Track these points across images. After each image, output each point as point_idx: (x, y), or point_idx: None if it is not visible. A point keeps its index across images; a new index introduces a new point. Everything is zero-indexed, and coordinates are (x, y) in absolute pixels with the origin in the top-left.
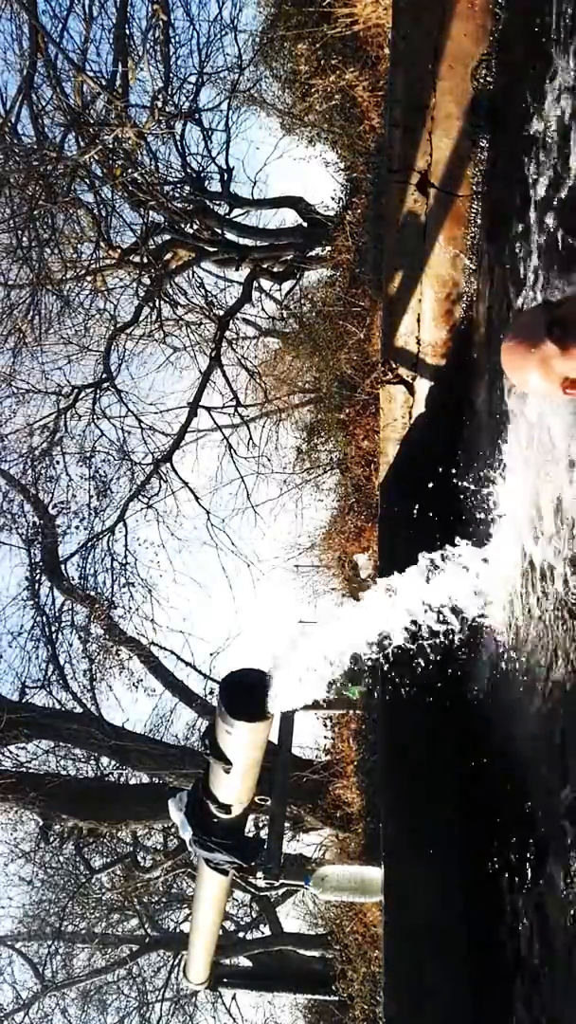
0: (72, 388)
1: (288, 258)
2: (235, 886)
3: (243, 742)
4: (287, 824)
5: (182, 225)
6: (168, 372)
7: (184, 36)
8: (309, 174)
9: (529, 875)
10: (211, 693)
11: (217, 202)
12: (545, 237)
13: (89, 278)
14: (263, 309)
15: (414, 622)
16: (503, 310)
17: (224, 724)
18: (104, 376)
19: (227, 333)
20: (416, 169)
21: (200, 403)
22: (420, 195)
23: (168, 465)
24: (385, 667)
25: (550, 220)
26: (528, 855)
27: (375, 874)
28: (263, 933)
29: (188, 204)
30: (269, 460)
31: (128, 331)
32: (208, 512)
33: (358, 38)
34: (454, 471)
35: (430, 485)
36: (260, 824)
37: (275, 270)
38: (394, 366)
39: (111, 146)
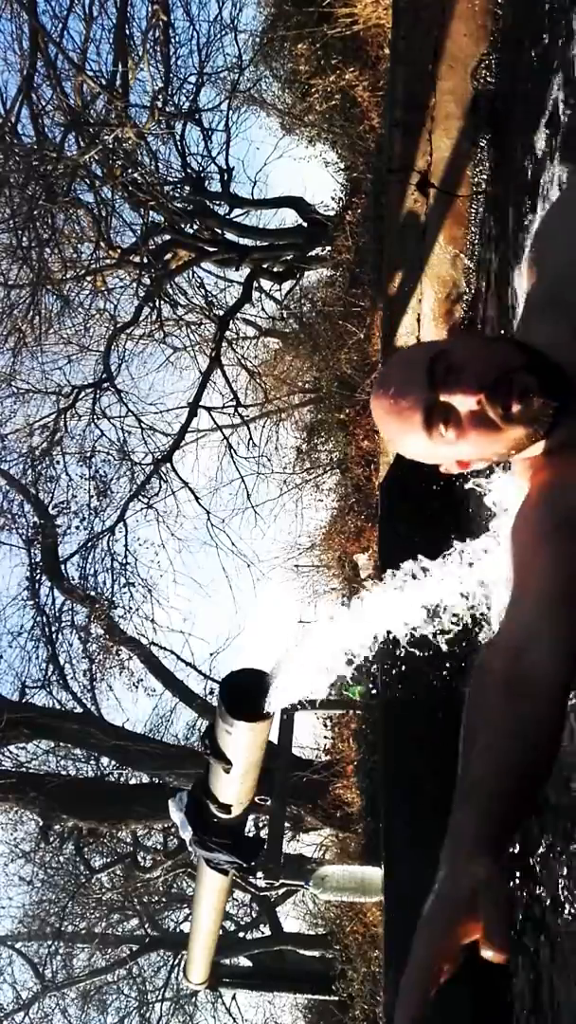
0: (72, 388)
1: (288, 258)
2: (235, 886)
3: (243, 742)
4: (287, 824)
5: (182, 225)
6: (168, 372)
7: (184, 36)
8: (309, 174)
9: (530, 873)
10: (211, 693)
11: (217, 202)
12: None
13: (89, 278)
14: (263, 309)
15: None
16: (502, 310)
17: (224, 724)
18: (104, 376)
19: (227, 333)
20: (416, 169)
21: (200, 403)
22: (420, 195)
23: (168, 465)
24: (385, 667)
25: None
26: (529, 853)
27: (375, 874)
28: (263, 933)
29: (188, 204)
30: (269, 460)
31: (128, 331)
32: (208, 512)
33: (358, 38)
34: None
35: (430, 485)
36: (260, 824)
37: (275, 270)
38: None
39: (111, 146)
